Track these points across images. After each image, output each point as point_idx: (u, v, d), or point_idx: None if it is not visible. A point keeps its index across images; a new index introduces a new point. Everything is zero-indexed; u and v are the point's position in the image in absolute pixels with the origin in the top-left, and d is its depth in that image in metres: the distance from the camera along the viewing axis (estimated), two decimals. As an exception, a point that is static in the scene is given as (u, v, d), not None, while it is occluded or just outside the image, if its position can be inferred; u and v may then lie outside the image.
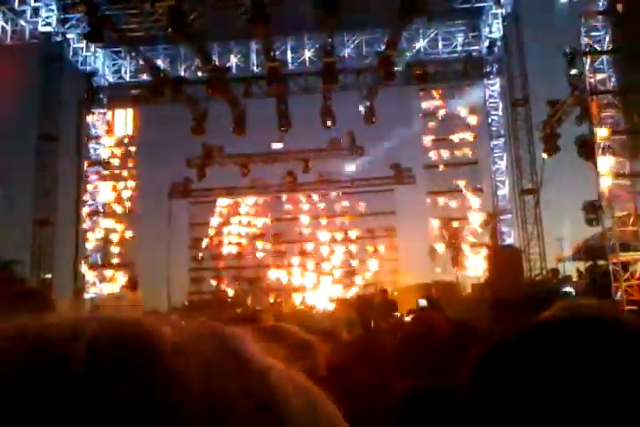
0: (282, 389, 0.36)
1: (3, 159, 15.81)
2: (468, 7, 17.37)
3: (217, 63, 17.72)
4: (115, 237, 18.74)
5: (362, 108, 18.45)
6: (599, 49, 11.94)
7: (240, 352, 0.37)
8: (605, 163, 12.05)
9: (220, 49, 18.25)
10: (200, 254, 20.19)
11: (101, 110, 19.09)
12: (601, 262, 13.34)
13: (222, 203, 20.54)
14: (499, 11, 17.14)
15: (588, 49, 11.96)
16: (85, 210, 18.52)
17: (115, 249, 18.72)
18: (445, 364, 2.91)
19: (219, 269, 20.11)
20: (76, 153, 18.42)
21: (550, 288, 12.86)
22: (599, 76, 12.03)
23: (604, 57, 12.06)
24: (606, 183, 12.08)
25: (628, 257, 12.25)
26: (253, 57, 18.41)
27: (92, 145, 18.99)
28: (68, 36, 17.87)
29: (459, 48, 18.17)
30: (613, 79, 12.01)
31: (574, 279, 14.37)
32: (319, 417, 0.37)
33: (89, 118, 18.91)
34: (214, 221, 20.43)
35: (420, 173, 19.28)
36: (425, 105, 18.84)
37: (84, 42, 17.73)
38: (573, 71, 12.99)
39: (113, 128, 19.15)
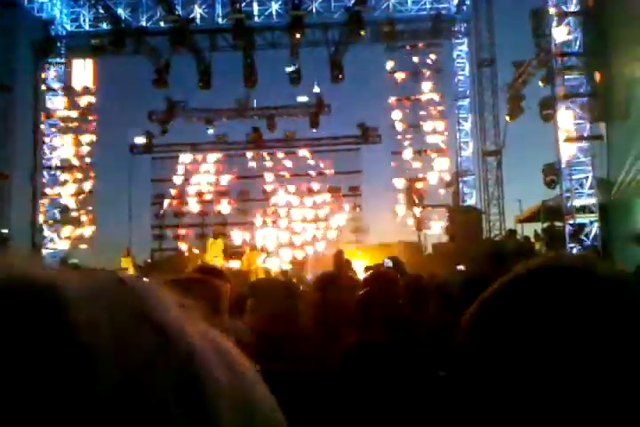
0: (197, 355, 0.34)
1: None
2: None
3: (180, 13, 17.12)
4: (73, 193, 18.32)
5: (329, 65, 18.15)
6: (566, 10, 11.93)
7: (145, 309, 0.34)
8: (565, 125, 12.22)
9: (183, -2, 17.60)
10: (162, 211, 19.97)
11: (59, 60, 18.34)
12: (558, 224, 13.68)
13: (185, 159, 20.22)
14: (469, -32, 16.89)
15: (554, 10, 11.93)
16: (43, 164, 18.01)
17: (73, 204, 18.32)
18: (401, 313, 3.00)
19: (181, 227, 19.97)
20: (32, 105, 17.78)
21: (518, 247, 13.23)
22: (565, 38, 12.06)
23: (571, 18, 12.06)
24: (566, 146, 12.29)
25: (584, 218, 12.61)
26: (218, 8, 17.83)
27: (48, 96, 18.29)
28: (23, -20, 16.97)
29: (428, 6, 17.91)
30: (579, 41, 12.05)
31: (532, 240, 14.73)
32: (241, 385, 0.35)
33: (46, 68, 18.17)
34: (177, 177, 20.15)
35: (387, 132, 19.27)
36: (392, 63, 18.64)
37: (40, -13, 16.89)
38: (539, 32, 12.98)
39: (71, 79, 18.46)
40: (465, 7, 17.65)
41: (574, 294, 0.64)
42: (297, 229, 19.86)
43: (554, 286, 0.65)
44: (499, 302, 0.67)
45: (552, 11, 12.02)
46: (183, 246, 19.28)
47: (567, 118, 12.13)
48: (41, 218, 17.82)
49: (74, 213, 18.23)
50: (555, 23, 12.02)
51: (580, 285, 0.65)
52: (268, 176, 20.17)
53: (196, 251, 17.33)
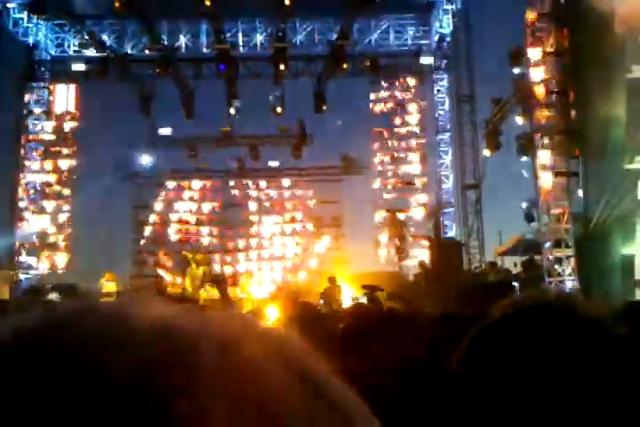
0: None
1: None
2: (420, 1, 17.56)
3: (166, 42, 17.29)
4: (53, 218, 18.11)
5: (313, 96, 18.39)
6: (542, 50, 12.27)
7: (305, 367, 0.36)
8: (543, 160, 12.45)
9: (169, 28, 17.81)
10: (143, 239, 19.79)
11: (42, 85, 18.32)
12: (537, 257, 13.79)
13: (167, 186, 20.14)
14: (449, 7, 17.36)
15: (531, 50, 12.28)
16: (23, 189, 17.83)
17: (53, 229, 18.08)
18: (378, 345, 3.02)
19: (162, 254, 19.75)
20: (13, 129, 17.69)
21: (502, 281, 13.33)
22: (541, 77, 12.37)
23: (548, 58, 12.39)
24: (543, 181, 12.49)
25: (561, 253, 12.73)
26: (203, 38, 18.05)
27: (30, 121, 18.21)
28: (9, 5, 17.05)
29: (409, 41, 18.32)
30: (555, 80, 12.37)
31: (512, 272, 14.82)
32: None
33: (28, 93, 18.14)
34: (158, 204, 20.03)
35: (368, 164, 19.45)
36: (374, 96, 18.94)
37: (26, 13, 16.98)
38: (517, 70, 13.34)
39: (53, 104, 18.42)
40: (445, 44, 18.09)
41: (558, 335, 0.65)
42: (278, 257, 19.79)
43: (538, 326, 0.66)
44: (486, 341, 0.68)
45: (529, 50, 12.36)
46: (162, 273, 19.03)
47: (544, 155, 12.36)
48: (19, 243, 17.55)
49: (52, 238, 17.97)
50: (532, 62, 12.35)
51: (561, 325, 0.65)
52: (251, 205, 20.15)
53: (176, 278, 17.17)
